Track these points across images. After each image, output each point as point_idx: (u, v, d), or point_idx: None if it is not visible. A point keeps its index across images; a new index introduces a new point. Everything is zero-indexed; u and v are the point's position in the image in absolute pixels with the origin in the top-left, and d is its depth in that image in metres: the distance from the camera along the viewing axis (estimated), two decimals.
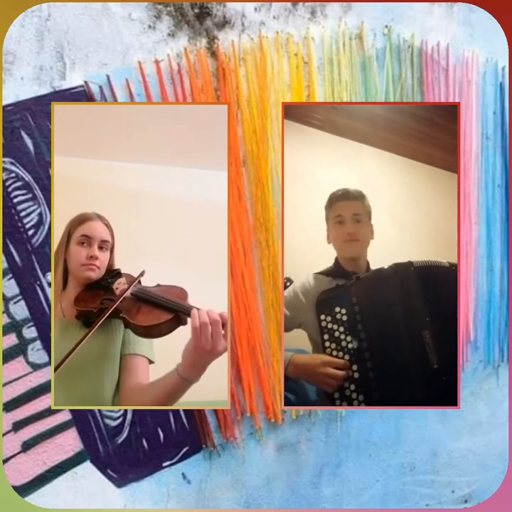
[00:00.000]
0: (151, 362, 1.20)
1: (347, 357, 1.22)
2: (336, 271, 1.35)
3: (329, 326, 1.26)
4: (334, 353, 1.23)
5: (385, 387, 1.19)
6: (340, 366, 1.20)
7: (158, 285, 1.22)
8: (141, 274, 1.24)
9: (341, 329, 1.24)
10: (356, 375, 1.20)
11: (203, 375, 1.07)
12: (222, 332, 1.04)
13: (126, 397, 1.15)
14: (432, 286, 1.27)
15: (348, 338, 1.23)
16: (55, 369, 1.03)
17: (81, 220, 1.22)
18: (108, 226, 1.24)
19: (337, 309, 1.26)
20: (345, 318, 1.25)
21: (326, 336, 1.25)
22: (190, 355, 1.05)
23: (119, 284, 1.20)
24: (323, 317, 1.27)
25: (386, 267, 1.28)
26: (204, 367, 1.07)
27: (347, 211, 1.35)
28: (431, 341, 1.21)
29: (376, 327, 1.23)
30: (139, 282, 1.23)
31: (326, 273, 1.36)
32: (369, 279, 1.30)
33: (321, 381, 1.20)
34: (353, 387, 1.19)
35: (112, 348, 1.18)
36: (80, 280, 1.21)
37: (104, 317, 1.11)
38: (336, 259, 1.36)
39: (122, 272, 1.25)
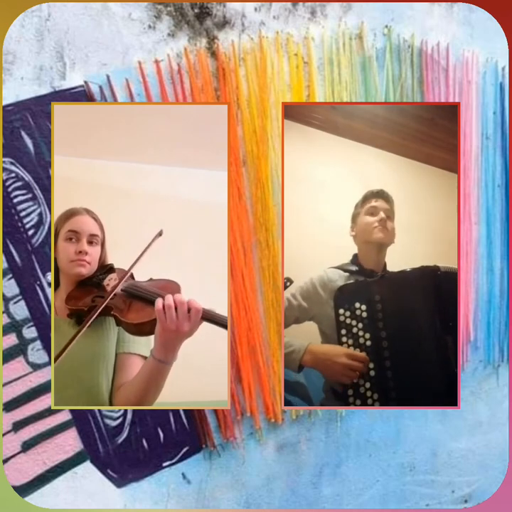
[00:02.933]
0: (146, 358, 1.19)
1: (363, 354, 1.21)
2: (353, 267, 1.34)
3: (348, 321, 1.24)
4: (351, 349, 1.22)
5: (403, 387, 1.17)
6: (360, 359, 1.19)
7: (151, 279, 1.19)
8: (160, 234, 1.21)
9: (360, 325, 1.23)
10: (372, 372, 1.19)
11: (176, 356, 1.08)
12: (188, 314, 1.04)
13: (120, 396, 1.14)
14: (457, 292, 1.27)
15: (367, 335, 1.22)
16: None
17: (68, 215, 1.19)
18: (97, 220, 1.21)
19: (357, 305, 1.25)
20: (365, 314, 1.23)
21: (343, 331, 1.24)
22: (159, 336, 1.06)
23: (110, 280, 1.17)
24: (342, 311, 1.25)
25: (409, 268, 1.27)
26: (174, 347, 1.07)
27: (380, 205, 1.37)
28: (453, 346, 1.21)
29: (397, 327, 1.22)
30: (132, 277, 1.20)
31: (343, 268, 1.35)
32: (394, 279, 1.28)
33: (340, 372, 1.18)
34: (368, 385, 1.18)
35: (106, 346, 1.16)
36: (71, 277, 1.18)
37: (94, 316, 1.08)
38: (355, 256, 1.36)
39: (119, 268, 1.22)
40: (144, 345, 1.19)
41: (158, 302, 1.04)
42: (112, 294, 1.12)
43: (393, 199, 1.41)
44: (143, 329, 1.10)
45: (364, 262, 1.34)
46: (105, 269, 1.20)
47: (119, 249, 1.26)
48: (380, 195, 1.40)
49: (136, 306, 1.12)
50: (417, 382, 1.18)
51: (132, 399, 1.11)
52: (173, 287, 1.14)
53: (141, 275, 1.22)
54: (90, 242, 1.19)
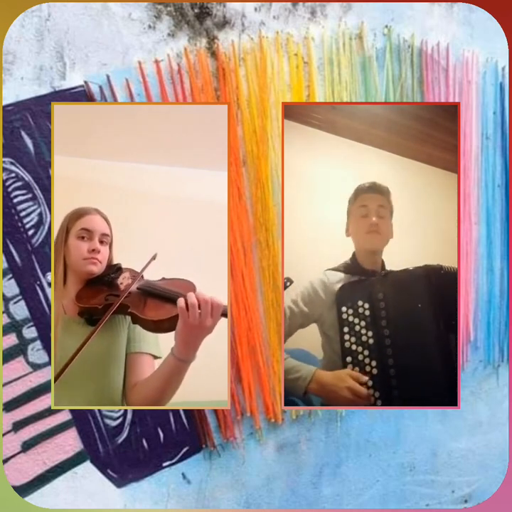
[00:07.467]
0: (156, 357, 1.19)
1: (366, 352, 1.19)
2: (352, 267, 1.32)
3: (350, 319, 1.23)
4: (353, 347, 1.21)
5: (406, 385, 1.17)
6: (363, 396, 1.15)
7: (163, 278, 1.19)
8: (153, 258, 1.21)
9: (363, 324, 1.22)
10: (375, 371, 1.17)
11: (196, 354, 1.07)
12: (211, 311, 1.04)
13: (132, 395, 1.14)
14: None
15: (369, 333, 1.20)
16: (64, 368, 1.01)
17: (79, 214, 1.20)
18: (107, 220, 1.22)
19: (360, 303, 1.23)
20: (367, 312, 1.22)
21: (345, 329, 1.22)
22: (181, 334, 1.05)
23: (124, 279, 1.18)
24: (344, 309, 1.24)
25: (412, 267, 1.25)
26: (196, 345, 1.07)
27: (372, 203, 1.33)
28: (455, 344, 1.20)
29: (400, 325, 1.20)
30: (142, 277, 1.20)
31: (342, 269, 1.33)
32: (396, 277, 1.27)
33: (343, 401, 1.16)
34: (370, 383, 1.17)
35: (117, 346, 1.16)
36: (81, 275, 1.18)
37: (111, 312, 1.09)
38: (354, 254, 1.34)
39: (127, 268, 1.23)
40: (154, 344, 1.19)
41: (181, 301, 1.04)
42: (128, 291, 1.13)
43: (389, 189, 1.36)
44: (162, 326, 1.10)
45: (362, 263, 1.32)
46: (114, 268, 1.21)
47: (120, 248, 1.26)
48: (372, 189, 1.35)
49: (152, 304, 1.12)
50: (420, 381, 1.18)
51: (149, 398, 1.11)
52: (188, 286, 1.14)
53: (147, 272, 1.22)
54: (101, 242, 1.19)
